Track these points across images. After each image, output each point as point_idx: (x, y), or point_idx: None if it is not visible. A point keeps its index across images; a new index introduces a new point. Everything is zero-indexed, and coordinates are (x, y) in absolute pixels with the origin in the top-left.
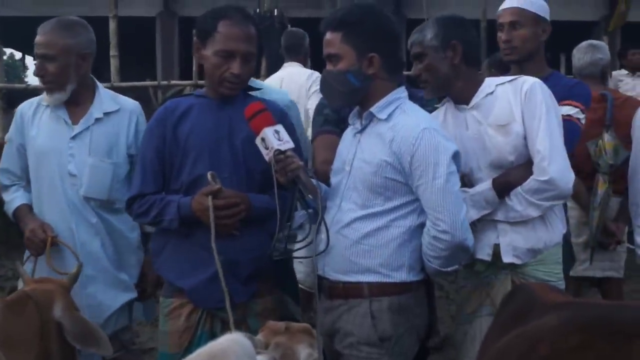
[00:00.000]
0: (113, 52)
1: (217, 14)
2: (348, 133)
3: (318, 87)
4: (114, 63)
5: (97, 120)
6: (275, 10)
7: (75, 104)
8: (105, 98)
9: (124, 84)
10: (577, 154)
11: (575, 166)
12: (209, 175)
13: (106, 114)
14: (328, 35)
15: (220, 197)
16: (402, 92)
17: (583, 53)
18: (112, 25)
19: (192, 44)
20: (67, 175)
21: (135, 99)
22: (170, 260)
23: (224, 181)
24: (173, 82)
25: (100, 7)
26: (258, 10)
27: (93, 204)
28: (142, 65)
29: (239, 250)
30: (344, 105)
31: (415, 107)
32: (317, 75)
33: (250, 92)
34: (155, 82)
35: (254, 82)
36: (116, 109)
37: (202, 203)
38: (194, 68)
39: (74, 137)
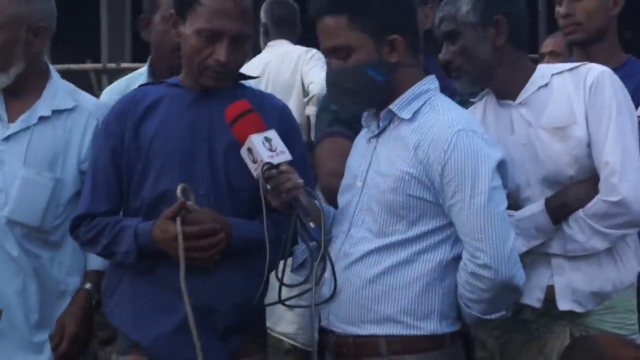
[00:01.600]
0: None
1: None
2: (361, 138)
3: (319, 60)
4: None
5: (42, 119)
6: None
7: (17, 95)
8: (60, 91)
9: (55, 67)
10: None
11: None
12: (178, 190)
13: (56, 112)
14: (328, 21)
15: (192, 220)
16: (431, 82)
17: None
18: None
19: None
20: None
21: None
22: (124, 304)
23: (200, 200)
24: (123, 64)
25: None
26: None
27: (18, 232)
28: (81, 41)
29: (217, 294)
30: (366, 109)
31: (449, 103)
32: (315, 51)
33: (243, 82)
34: (99, 65)
35: None
36: (71, 107)
37: (167, 230)
38: None
39: (6, 139)
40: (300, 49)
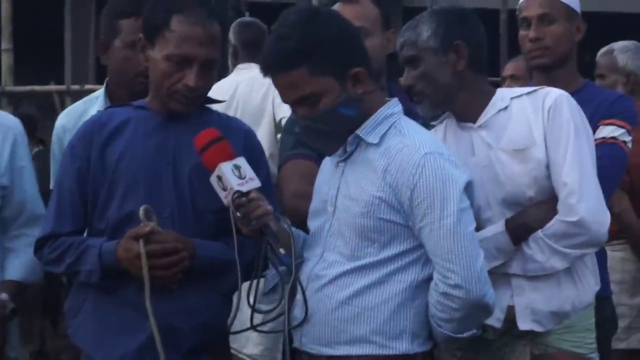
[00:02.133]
0: (5, 44)
1: (170, 5)
2: (328, 162)
3: None
4: (6, 60)
5: None
6: None
7: None
8: None
9: (19, 88)
10: (637, 186)
11: (635, 203)
12: (141, 211)
13: None
14: (288, 77)
15: (155, 241)
16: (395, 106)
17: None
18: (5, 8)
19: (137, 41)
20: None
21: (36, 108)
22: (88, 324)
23: (164, 222)
24: (87, 86)
25: None
26: None
27: None
28: (44, 63)
29: (179, 314)
30: (344, 142)
31: (414, 126)
32: None
33: (209, 105)
34: (63, 87)
35: None
36: None
37: (130, 249)
38: None
39: None
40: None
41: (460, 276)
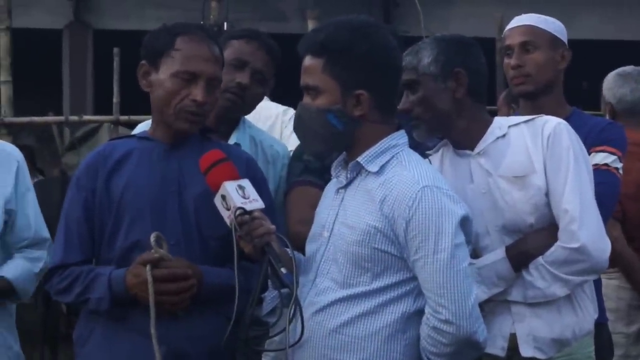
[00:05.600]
0: (4, 76)
1: (174, 29)
2: (330, 188)
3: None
4: (5, 91)
5: None
6: (225, 24)
7: None
8: None
9: (17, 119)
10: (630, 215)
11: (627, 232)
12: (152, 238)
13: None
14: (307, 61)
15: (165, 267)
16: (400, 137)
17: (635, 82)
18: (4, 41)
19: (138, 68)
20: None
21: (34, 139)
22: (97, 352)
23: (171, 249)
24: (86, 117)
25: None
26: (202, 22)
27: None
28: (43, 95)
29: (188, 339)
30: (324, 151)
31: (417, 159)
32: (293, 112)
33: (210, 135)
34: (62, 117)
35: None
36: None
37: (139, 275)
38: (115, 99)
39: None
40: (277, 108)
41: (451, 312)
